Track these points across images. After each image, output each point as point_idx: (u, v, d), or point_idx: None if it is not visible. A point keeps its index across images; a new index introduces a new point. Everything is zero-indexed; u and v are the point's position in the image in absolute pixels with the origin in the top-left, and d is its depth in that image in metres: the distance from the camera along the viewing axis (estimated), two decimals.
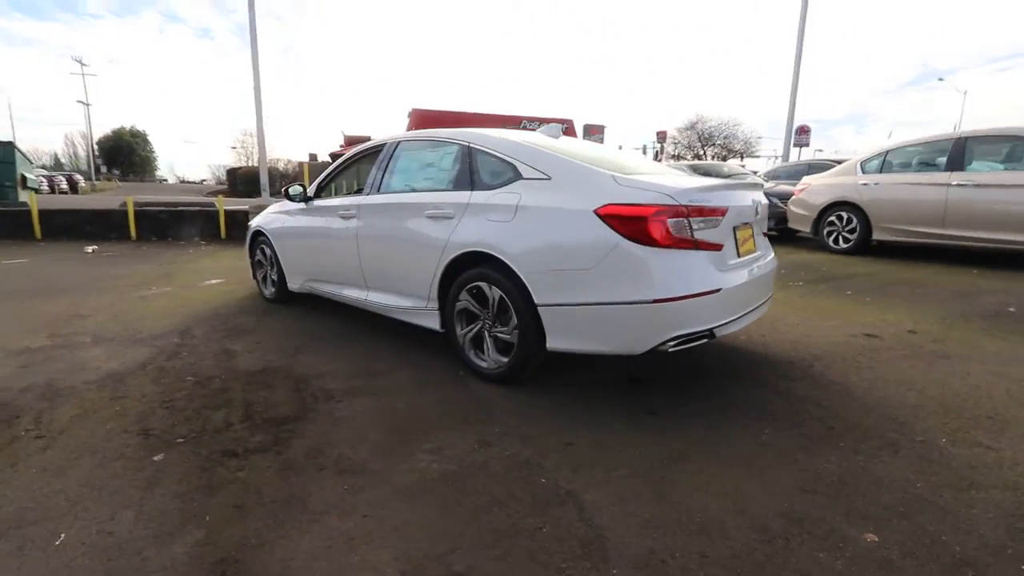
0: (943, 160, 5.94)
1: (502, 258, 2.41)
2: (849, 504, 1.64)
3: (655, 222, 2.11)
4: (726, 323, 2.29)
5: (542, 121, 35.58)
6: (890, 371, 2.75)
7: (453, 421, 2.23)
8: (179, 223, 9.11)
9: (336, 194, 3.89)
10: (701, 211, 2.23)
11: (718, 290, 2.20)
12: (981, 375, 2.69)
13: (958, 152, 5.79)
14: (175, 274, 5.86)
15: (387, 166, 3.28)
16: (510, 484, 1.77)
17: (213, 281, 5.45)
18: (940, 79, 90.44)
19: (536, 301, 2.33)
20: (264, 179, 8.53)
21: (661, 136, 42.40)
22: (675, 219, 2.14)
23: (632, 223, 2.12)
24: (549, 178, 2.42)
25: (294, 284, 4.08)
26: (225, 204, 9.57)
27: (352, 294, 3.48)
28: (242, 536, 1.51)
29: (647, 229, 2.11)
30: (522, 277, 2.35)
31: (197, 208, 9.59)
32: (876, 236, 6.53)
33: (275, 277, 4.28)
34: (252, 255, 4.61)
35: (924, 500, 1.66)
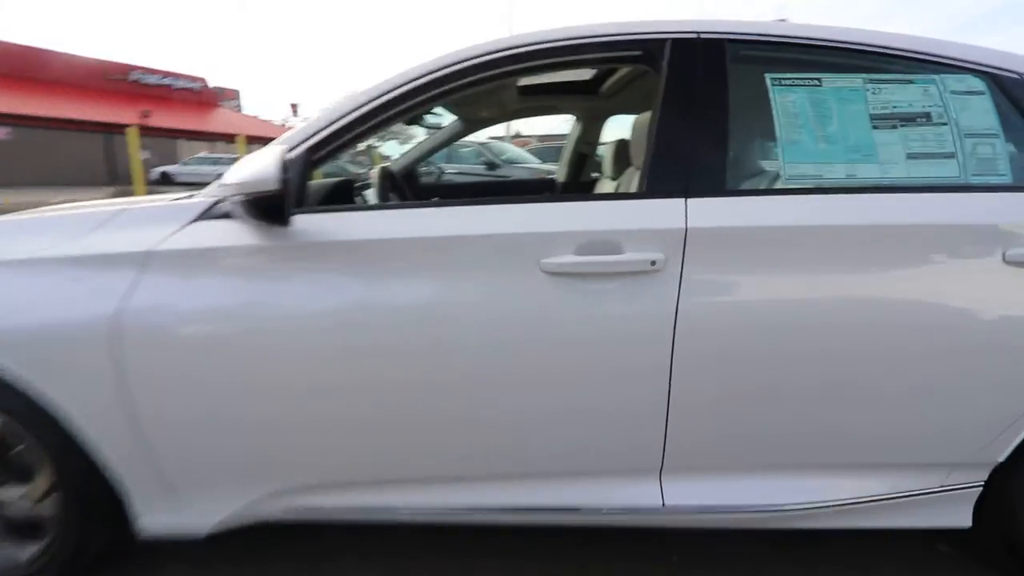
0: None
1: None
2: None
3: None
4: None
5: (166, 74, 27.16)
6: None
7: None
8: None
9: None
10: None
11: None
12: None
13: None
14: None
15: (751, 116, 1.22)
16: None
17: None
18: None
19: None
20: None
21: (293, 108, 40.75)
22: None
23: None
24: None
25: (214, 509, 1.20)
26: None
27: (567, 499, 1.23)
28: None
29: None
30: None
31: None
32: None
33: (52, 510, 1.19)
34: None
35: None
